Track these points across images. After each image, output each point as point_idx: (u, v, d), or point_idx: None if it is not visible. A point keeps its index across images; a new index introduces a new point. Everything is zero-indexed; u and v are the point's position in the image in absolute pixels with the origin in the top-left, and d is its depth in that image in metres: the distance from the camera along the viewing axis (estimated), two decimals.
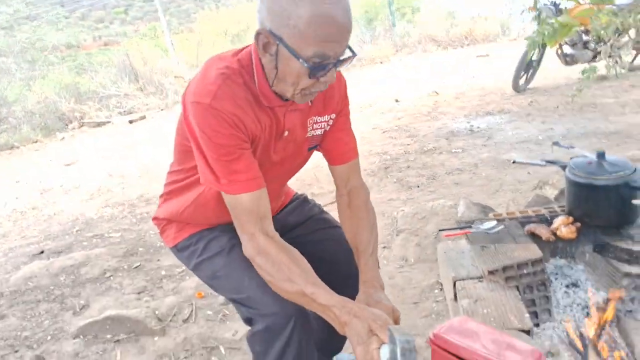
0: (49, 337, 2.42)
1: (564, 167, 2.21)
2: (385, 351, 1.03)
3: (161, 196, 1.50)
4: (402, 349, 0.97)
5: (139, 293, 2.78)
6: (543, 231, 2.03)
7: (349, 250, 1.40)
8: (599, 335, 1.71)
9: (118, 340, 2.33)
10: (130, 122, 10.11)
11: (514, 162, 2.41)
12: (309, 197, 1.70)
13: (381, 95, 8.30)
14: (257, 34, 1.10)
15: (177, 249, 1.47)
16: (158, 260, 3.18)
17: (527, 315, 1.80)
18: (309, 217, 1.59)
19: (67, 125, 10.98)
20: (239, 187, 1.15)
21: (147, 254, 3.30)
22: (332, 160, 1.42)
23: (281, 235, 1.24)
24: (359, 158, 1.46)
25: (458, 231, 2.17)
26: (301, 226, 1.57)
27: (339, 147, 1.40)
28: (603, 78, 5.95)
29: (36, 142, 9.71)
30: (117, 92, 12.35)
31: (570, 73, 6.45)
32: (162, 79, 13.34)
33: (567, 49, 6.29)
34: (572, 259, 2.22)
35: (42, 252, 3.53)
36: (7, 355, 2.32)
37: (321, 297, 1.09)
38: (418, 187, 3.84)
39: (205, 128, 1.11)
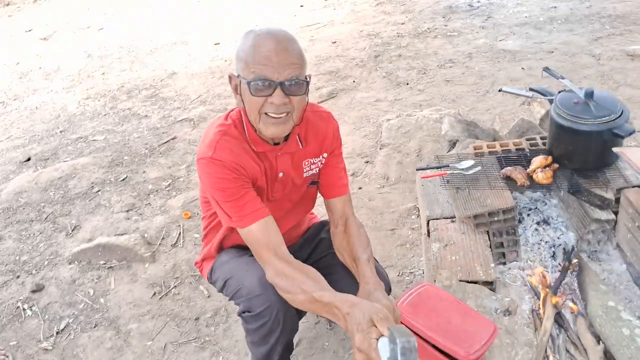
0: (46, 262, 2.56)
1: (550, 101, 2.13)
2: (384, 347, 1.06)
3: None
4: (402, 349, 0.97)
5: (127, 211, 2.87)
6: (519, 176, 2.02)
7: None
8: (557, 286, 1.82)
9: (111, 267, 2.47)
10: None
11: (500, 90, 2.30)
12: None
13: None
14: (229, 79, 1.34)
15: (211, 281, 1.66)
16: (144, 172, 3.21)
17: (492, 265, 1.89)
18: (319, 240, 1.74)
19: None
20: (248, 220, 1.34)
21: (133, 164, 3.32)
22: (327, 194, 1.57)
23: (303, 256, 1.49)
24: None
25: (435, 171, 2.16)
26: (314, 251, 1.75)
27: (333, 182, 1.56)
28: None
29: (8, 4, 9.04)
30: None
31: None
32: None
33: None
34: (548, 192, 2.25)
35: (28, 159, 3.55)
36: (9, 280, 2.48)
37: (326, 298, 1.21)
38: (407, 84, 3.70)
39: (210, 178, 1.33)
